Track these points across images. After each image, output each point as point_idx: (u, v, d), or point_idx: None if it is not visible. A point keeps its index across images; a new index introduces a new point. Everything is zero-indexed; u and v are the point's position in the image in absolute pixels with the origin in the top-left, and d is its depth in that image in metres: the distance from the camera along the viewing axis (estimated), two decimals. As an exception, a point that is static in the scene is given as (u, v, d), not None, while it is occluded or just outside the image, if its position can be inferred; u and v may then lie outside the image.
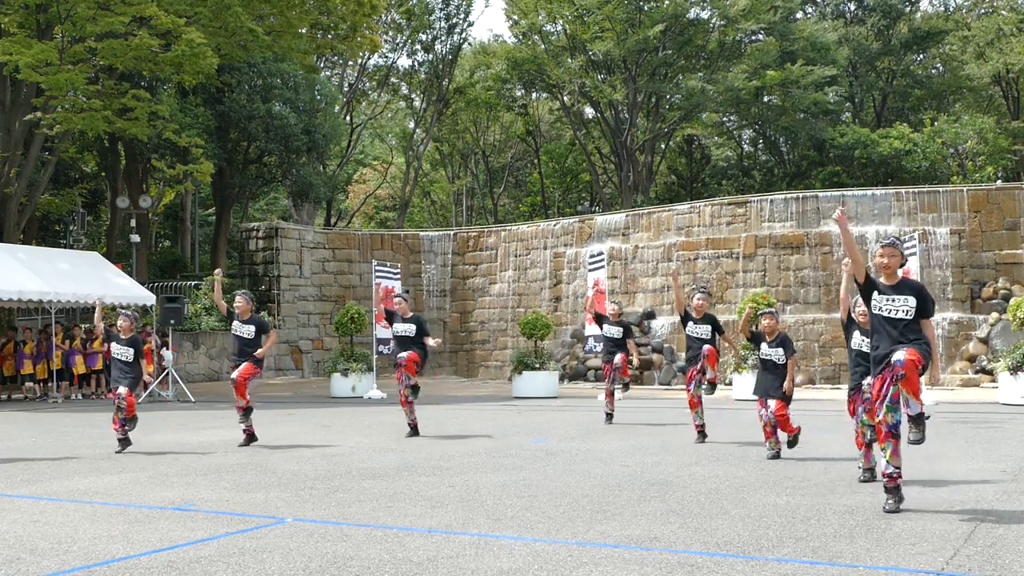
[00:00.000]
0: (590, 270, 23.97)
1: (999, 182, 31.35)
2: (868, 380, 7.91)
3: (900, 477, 7.12)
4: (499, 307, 33.97)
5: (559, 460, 10.32)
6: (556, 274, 32.29)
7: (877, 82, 50.40)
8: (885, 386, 7.00)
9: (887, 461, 7.08)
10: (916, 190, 27.76)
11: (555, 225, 33.50)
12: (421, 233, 36.32)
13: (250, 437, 11.99)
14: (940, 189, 27.77)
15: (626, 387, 14.57)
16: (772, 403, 10.14)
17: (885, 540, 6.16)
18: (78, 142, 34.50)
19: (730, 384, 21.48)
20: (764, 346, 10.23)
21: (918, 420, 6.90)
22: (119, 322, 11.98)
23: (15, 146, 27.00)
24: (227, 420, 16.35)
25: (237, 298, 12.17)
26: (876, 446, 7.76)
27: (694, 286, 13.42)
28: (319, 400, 22.22)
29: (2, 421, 17.01)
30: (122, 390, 11.52)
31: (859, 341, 8.56)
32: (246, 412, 11.97)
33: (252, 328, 11.97)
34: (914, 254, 20.02)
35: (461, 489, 8.36)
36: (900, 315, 7.07)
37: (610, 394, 14.59)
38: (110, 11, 23.95)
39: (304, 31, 30.12)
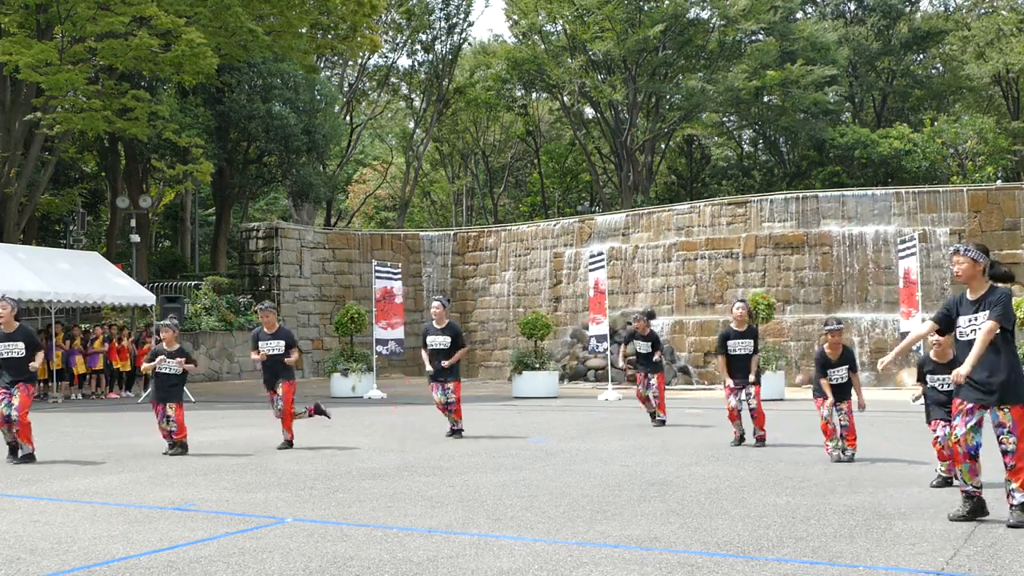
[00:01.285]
0: (590, 270, 23.97)
1: (999, 182, 31.35)
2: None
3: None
4: (499, 307, 33.97)
5: (559, 460, 10.32)
6: (556, 274, 32.29)
7: (877, 82, 50.40)
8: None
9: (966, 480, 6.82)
10: (916, 190, 27.76)
11: (555, 225, 33.50)
12: (421, 233, 36.32)
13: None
14: (940, 189, 27.77)
15: (662, 422, 14.53)
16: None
17: (885, 540, 6.16)
18: (78, 142, 34.51)
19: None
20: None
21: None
22: (162, 333, 11.63)
23: (15, 146, 27.00)
24: (227, 420, 16.36)
25: (263, 313, 11.92)
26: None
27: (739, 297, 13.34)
28: (319, 400, 22.18)
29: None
30: (171, 412, 11.24)
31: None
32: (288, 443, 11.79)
33: (282, 343, 11.68)
34: (914, 254, 20.03)
35: (461, 489, 8.36)
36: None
37: (644, 399, 14.42)
38: (110, 11, 23.95)
39: (304, 31, 30.12)
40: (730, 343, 11.59)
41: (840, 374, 10.05)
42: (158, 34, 25.29)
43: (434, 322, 12.76)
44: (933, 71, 52.73)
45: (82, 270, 23.76)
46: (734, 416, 11.62)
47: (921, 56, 51.71)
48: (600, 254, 23.81)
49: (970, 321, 6.62)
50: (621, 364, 15.26)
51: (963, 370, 6.52)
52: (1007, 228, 26.19)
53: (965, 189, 27.45)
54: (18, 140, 27.09)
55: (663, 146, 49.70)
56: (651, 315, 28.78)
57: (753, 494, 7.95)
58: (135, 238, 31.91)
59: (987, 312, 6.52)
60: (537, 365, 22.62)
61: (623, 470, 9.48)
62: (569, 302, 31.54)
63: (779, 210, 28.26)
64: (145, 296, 24.15)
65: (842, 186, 37.38)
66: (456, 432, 12.92)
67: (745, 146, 54.91)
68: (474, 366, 34.15)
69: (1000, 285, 6.68)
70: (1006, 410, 6.59)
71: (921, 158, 41.28)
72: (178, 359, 11.42)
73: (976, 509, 6.83)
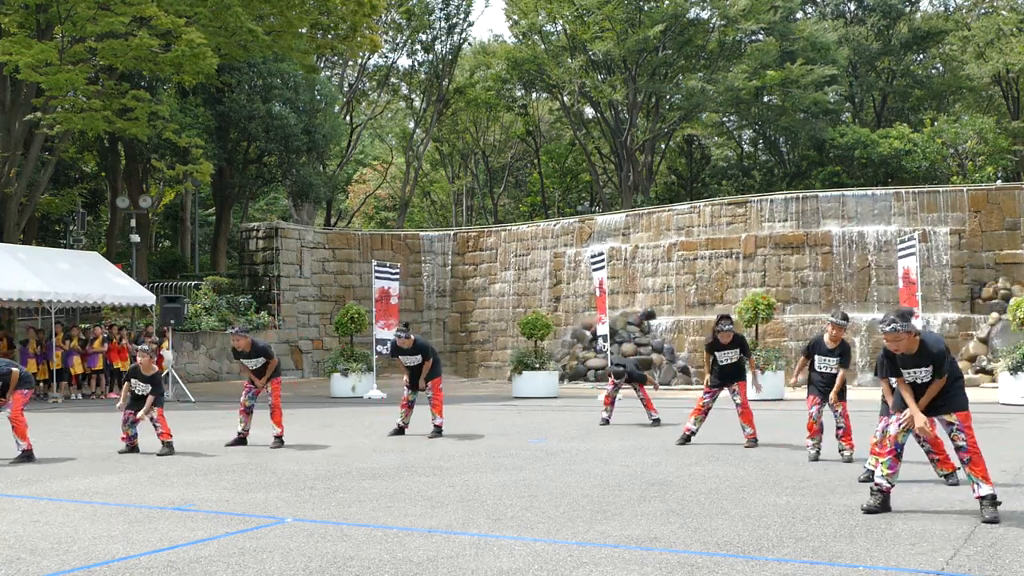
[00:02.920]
0: (593, 270, 23.99)
1: (999, 182, 31.34)
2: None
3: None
4: (499, 307, 33.96)
5: (559, 460, 10.32)
6: (556, 274, 32.28)
7: (877, 82, 50.40)
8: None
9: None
10: (916, 190, 27.75)
11: (555, 225, 33.49)
12: (421, 233, 36.31)
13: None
14: (940, 189, 27.76)
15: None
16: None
17: (885, 540, 6.16)
18: (78, 142, 34.50)
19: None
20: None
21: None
22: (138, 358, 11.61)
23: (15, 146, 27.00)
24: (227, 420, 16.34)
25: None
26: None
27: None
28: (319, 400, 22.21)
29: (2, 422, 17.00)
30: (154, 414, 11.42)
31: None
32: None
33: (260, 360, 12.15)
34: (913, 254, 20.03)
35: (461, 489, 8.36)
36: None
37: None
38: (110, 11, 23.94)
39: (304, 31, 30.11)
40: (718, 354, 11.65)
41: (829, 364, 10.05)
42: (158, 34, 25.29)
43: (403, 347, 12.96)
44: (933, 71, 52.73)
45: (82, 270, 23.75)
46: (698, 411, 11.70)
47: (921, 56, 51.70)
48: (601, 254, 23.82)
49: (914, 374, 7.14)
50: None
51: (919, 422, 7.11)
52: (1007, 228, 26.18)
53: (965, 189, 27.45)
54: (18, 140, 27.09)
55: (663, 146, 49.69)
56: (651, 315, 28.82)
57: (753, 494, 7.95)
58: (135, 238, 31.90)
59: (931, 369, 7.06)
60: (537, 365, 22.61)
61: (623, 470, 9.48)
62: (569, 302, 31.54)
63: (779, 210, 28.25)
64: (145, 296, 24.14)
65: (842, 186, 37.37)
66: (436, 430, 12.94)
67: (745, 146, 54.91)
68: (474, 366, 34.14)
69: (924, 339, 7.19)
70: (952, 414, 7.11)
71: (921, 158, 41.27)
72: (148, 396, 11.45)
73: (886, 503, 7.20)
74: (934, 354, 7.04)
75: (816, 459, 10.03)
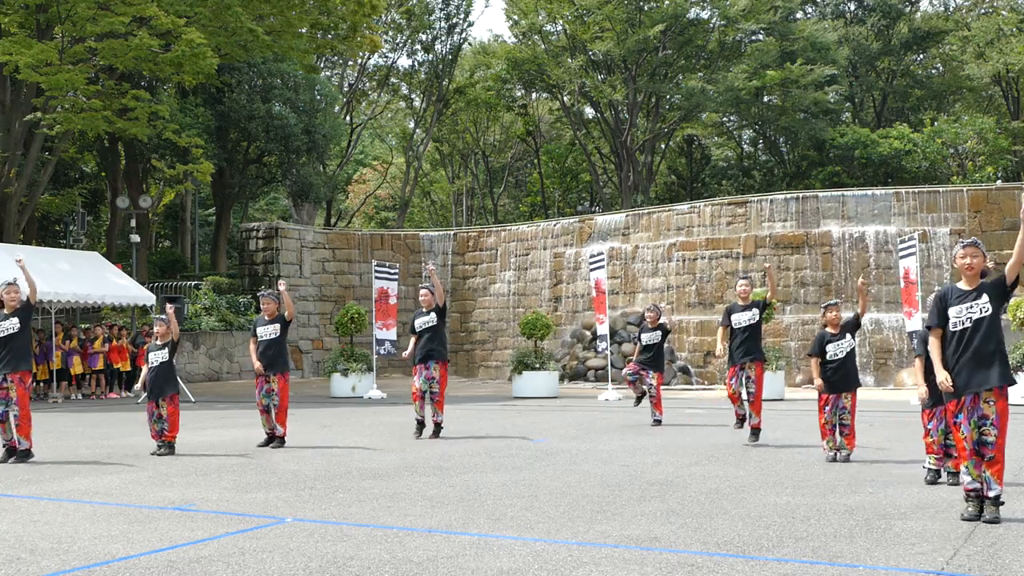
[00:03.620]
0: (591, 270, 23.98)
1: (999, 182, 31.34)
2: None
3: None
4: (499, 307, 33.96)
5: (559, 460, 10.32)
6: (556, 274, 32.29)
7: (877, 82, 50.40)
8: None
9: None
10: (916, 190, 27.75)
11: (555, 225, 33.50)
12: (421, 233, 36.32)
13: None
14: (940, 189, 27.76)
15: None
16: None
17: (885, 540, 6.16)
18: (78, 142, 34.50)
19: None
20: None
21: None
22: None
23: (15, 146, 27.00)
24: (227, 420, 16.35)
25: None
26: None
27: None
28: (319, 400, 22.22)
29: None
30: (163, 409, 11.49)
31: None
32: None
33: (276, 326, 11.94)
34: (913, 254, 20.03)
35: (461, 489, 8.36)
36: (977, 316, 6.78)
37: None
38: (110, 11, 23.95)
39: (304, 31, 30.12)
40: (734, 316, 11.60)
41: (841, 347, 9.95)
42: (158, 34, 25.29)
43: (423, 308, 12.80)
44: (933, 71, 52.73)
45: (82, 270, 23.74)
46: (735, 399, 11.62)
47: (921, 56, 51.71)
48: (600, 254, 23.82)
49: (967, 310, 6.79)
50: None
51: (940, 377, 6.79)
52: (1007, 228, 26.18)
53: (965, 189, 27.45)
54: (18, 140, 27.09)
55: (663, 146, 49.70)
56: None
57: (753, 494, 7.95)
58: (135, 238, 31.90)
59: (986, 296, 6.75)
60: (537, 365, 22.61)
61: (623, 470, 9.48)
62: (569, 302, 31.54)
63: (779, 210, 28.26)
64: (145, 296, 24.14)
65: (842, 186, 37.37)
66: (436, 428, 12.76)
67: (745, 146, 54.91)
68: (474, 366, 34.15)
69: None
70: (991, 403, 6.71)
71: (921, 158, 41.27)
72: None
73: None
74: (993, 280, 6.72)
75: (835, 460, 9.89)
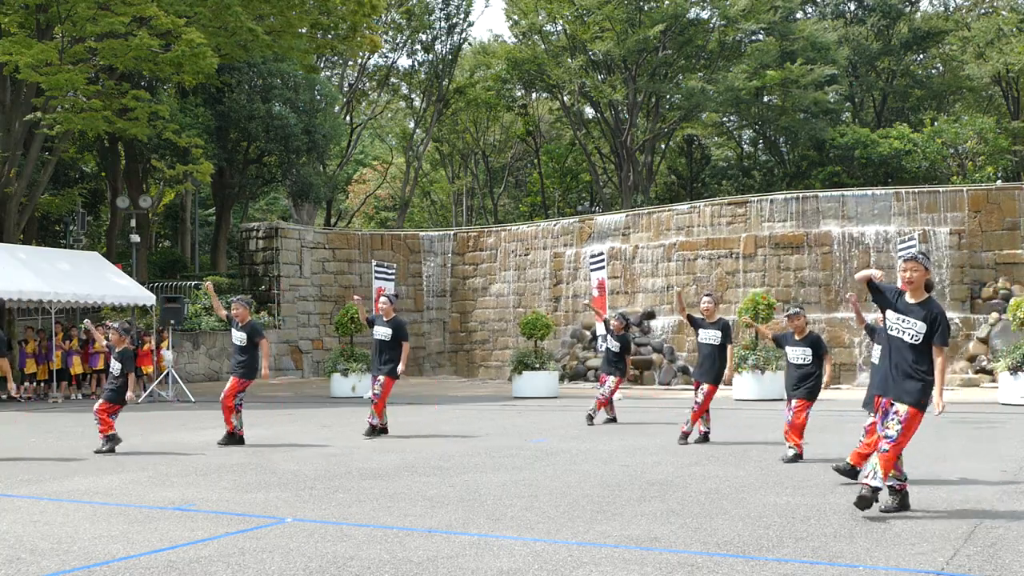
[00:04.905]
0: (592, 270, 23.98)
1: (999, 182, 31.33)
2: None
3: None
4: (499, 307, 33.96)
5: (559, 460, 10.32)
6: (556, 274, 32.28)
7: (877, 82, 50.40)
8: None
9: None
10: (916, 190, 27.74)
11: (555, 225, 33.49)
12: (421, 233, 36.31)
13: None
14: (940, 189, 27.75)
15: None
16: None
17: (885, 540, 6.16)
18: (78, 142, 34.49)
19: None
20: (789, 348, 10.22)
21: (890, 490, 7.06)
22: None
23: (15, 146, 26.99)
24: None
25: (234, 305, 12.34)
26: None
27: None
28: (319, 400, 22.22)
29: (2, 421, 17.01)
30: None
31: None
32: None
33: (244, 335, 12.19)
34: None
35: (461, 489, 8.36)
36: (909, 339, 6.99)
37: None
38: (110, 11, 23.94)
39: (304, 31, 30.10)
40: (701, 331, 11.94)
41: (806, 354, 10.08)
42: (158, 34, 25.28)
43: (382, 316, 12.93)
44: (933, 71, 52.73)
45: (82, 270, 23.74)
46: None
47: (921, 56, 51.70)
48: (601, 254, 23.81)
49: (902, 320, 7.00)
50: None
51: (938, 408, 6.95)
52: (1007, 228, 26.18)
53: (965, 189, 27.44)
54: (18, 140, 27.08)
55: (663, 146, 49.69)
56: (651, 315, 28.81)
57: (753, 494, 7.95)
58: (135, 238, 31.89)
59: (924, 324, 6.91)
60: (537, 365, 22.60)
61: (623, 470, 9.48)
62: (569, 302, 31.53)
63: (779, 210, 28.25)
64: (145, 296, 24.13)
65: (842, 186, 37.35)
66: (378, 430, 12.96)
67: (745, 146, 54.91)
68: (474, 366, 34.14)
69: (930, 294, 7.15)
70: (903, 410, 6.97)
71: (921, 158, 41.26)
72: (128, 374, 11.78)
73: (904, 502, 7.18)
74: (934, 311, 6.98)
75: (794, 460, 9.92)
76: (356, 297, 13.80)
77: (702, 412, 11.74)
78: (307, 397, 23.32)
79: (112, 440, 11.46)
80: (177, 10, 25.13)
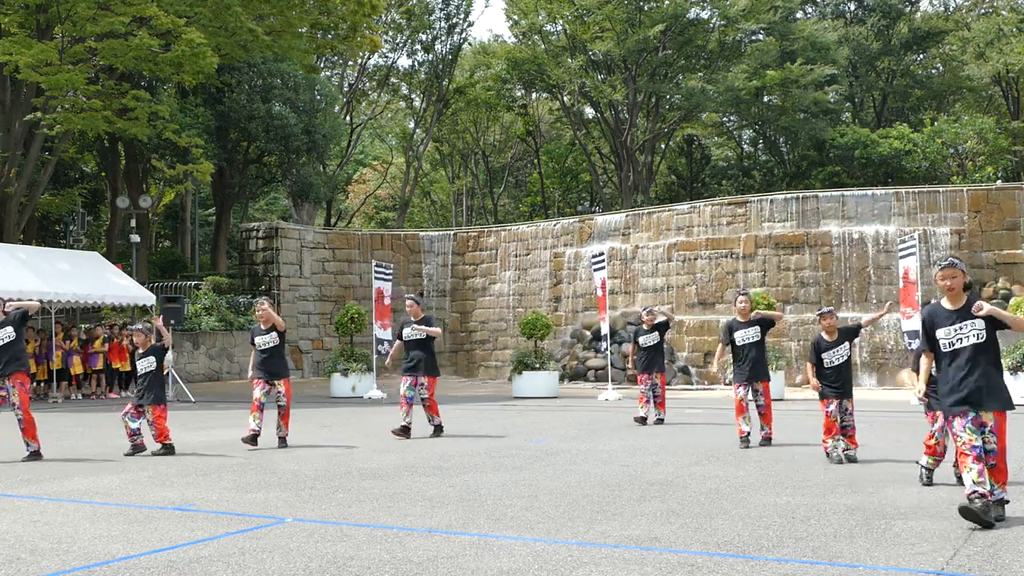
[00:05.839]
0: (594, 270, 23.98)
1: (999, 182, 31.33)
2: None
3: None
4: (499, 307, 33.96)
5: (559, 460, 10.32)
6: (556, 274, 32.28)
7: (877, 82, 50.39)
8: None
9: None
10: (916, 190, 27.75)
11: (555, 225, 33.49)
12: (421, 233, 36.31)
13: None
14: (940, 189, 27.75)
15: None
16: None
17: (885, 540, 6.16)
18: (78, 142, 34.50)
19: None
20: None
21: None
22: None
23: (15, 146, 27.00)
24: (227, 420, 16.35)
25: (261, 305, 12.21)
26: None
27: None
28: (319, 400, 22.21)
29: (3, 422, 17.01)
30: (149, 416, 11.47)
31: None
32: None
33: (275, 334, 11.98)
34: (913, 254, 20.02)
35: (461, 489, 8.36)
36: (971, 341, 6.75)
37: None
38: (110, 11, 23.95)
39: (304, 31, 30.12)
40: (736, 334, 11.59)
41: (838, 354, 10.01)
42: (158, 34, 25.29)
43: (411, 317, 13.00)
44: (933, 71, 52.73)
45: (82, 270, 23.74)
46: (742, 409, 11.44)
47: (921, 56, 51.70)
48: (601, 254, 23.81)
49: (959, 329, 6.78)
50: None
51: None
52: (1007, 228, 26.18)
53: (965, 189, 27.44)
54: (18, 140, 27.09)
55: (663, 146, 49.69)
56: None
57: (753, 494, 7.95)
58: (135, 238, 31.90)
59: (973, 321, 6.72)
60: (537, 365, 22.60)
61: (623, 470, 9.47)
62: (569, 302, 31.53)
63: (779, 210, 28.26)
64: (145, 296, 24.13)
65: (842, 186, 37.36)
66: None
67: (745, 146, 54.91)
68: (474, 366, 34.14)
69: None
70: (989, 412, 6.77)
71: (921, 158, 41.26)
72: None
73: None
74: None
75: (841, 461, 9.80)
76: (388, 363, 14.10)
77: (770, 411, 11.67)
78: (307, 397, 23.32)
79: (168, 449, 11.24)
80: (177, 10, 25.14)
